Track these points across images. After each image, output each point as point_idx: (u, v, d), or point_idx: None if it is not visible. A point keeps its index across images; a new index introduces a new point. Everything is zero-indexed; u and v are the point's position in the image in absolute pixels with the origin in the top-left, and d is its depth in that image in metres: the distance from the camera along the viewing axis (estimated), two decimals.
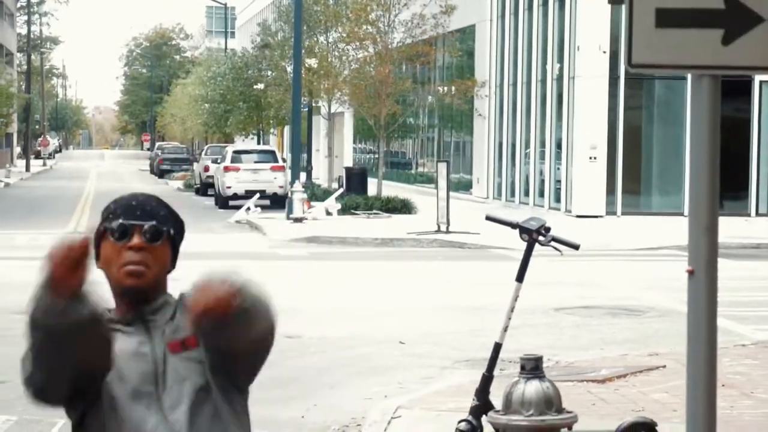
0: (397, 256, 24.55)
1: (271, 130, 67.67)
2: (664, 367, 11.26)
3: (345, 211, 34.98)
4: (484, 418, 7.43)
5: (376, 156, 42.85)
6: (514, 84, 41.42)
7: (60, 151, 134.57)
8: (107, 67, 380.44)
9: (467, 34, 45.54)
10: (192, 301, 3.07)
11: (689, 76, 4.00)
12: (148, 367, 3.19)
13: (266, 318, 3.13)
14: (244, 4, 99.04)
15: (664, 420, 8.31)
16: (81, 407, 3.21)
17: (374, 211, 35.28)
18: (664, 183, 36.05)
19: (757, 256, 24.90)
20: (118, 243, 3.18)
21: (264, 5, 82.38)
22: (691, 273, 4.06)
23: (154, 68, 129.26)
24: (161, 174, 71.67)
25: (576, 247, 7.56)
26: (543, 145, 38.80)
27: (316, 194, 38.42)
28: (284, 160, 44.79)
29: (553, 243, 7.39)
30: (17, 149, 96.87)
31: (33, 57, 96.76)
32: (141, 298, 3.20)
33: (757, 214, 35.51)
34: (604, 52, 34.87)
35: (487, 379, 7.45)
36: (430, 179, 49.78)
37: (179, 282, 3.41)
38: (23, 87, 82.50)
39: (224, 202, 41.08)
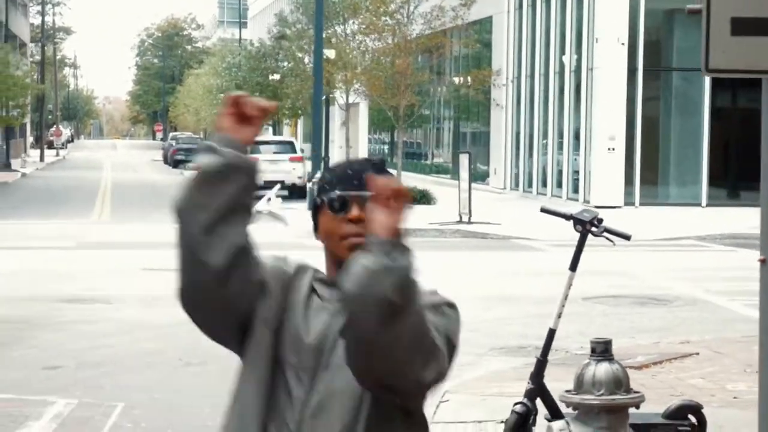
0: (421, 246, 24.78)
1: (285, 121, 68.00)
2: (698, 354, 11.57)
3: None
4: (538, 401, 7.77)
5: (392, 146, 43.11)
6: (532, 75, 41.68)
7: (72, 141, 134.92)
8: (117, 57, 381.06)
9: (484, 25, 45.79)
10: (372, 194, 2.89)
11: (764, 90, 4.30)
12: (316, 338, 3.02)
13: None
14: None
15: (705, 404, 8.62)
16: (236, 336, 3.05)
17: None
18: (682, 174, 36.31)
19: None
20: (337, 215, 3.06)
21: None
22: (763, 262, 4.35)
23: (166, 58, 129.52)
24: (175, 164, 71.91)
25: (628, 237, 7.87)
26: (561, 135, 39.07)
27: None
28: (302, 151, 45.10)
29: (605, 234, 7.70)
30: (30, 139, 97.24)
31: (45, 47, 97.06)
32: None
33: None
34: (623, 43, 35.12)
35: (541, 364, 7.78)
36: (446, 170, 50.08)
37: None
38: (37, 77, 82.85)
39: None
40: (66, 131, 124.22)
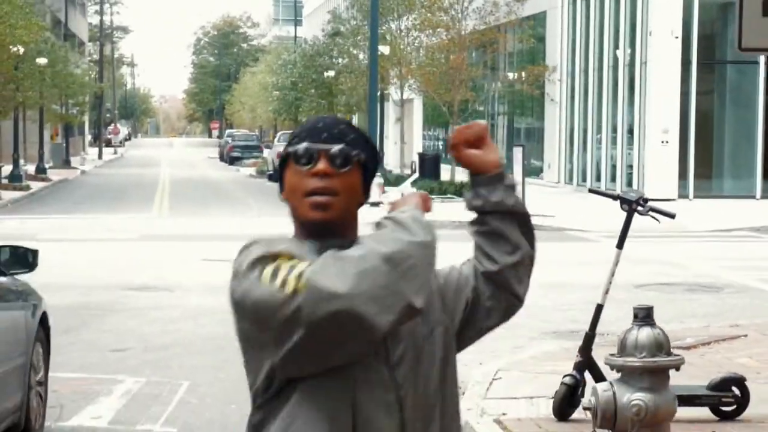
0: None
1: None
2: (746, 336, 11.84)
3: None
4: (586, 373, 8.10)
5: (446, 142, 43.33)
6: (585, 70, 41.85)
7: (129, 139, 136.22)
8: (172, 55, 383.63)
9: (538, 20, 46.00)
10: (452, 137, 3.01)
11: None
12: None
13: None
14: None
15: (750, 380, 8.91)
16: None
17: (448, 196, 35.91)
18: (736, 167, 36.37)
19: None
20: (302, 169, 2.82)
21: None
22: None
23: (222, 56, 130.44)
24: (231, 161, 72.46)
25: (672, 216, 8.17)
26: (614, 130, 39.22)
27: (388, 180, 39.08)
28: None
29: (651, 213, 8.01)
30: (88, 137, 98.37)
31: (104, 46, 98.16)
32: (327, 233, 2.81)
33: None
34: (677, 37, 35.23)
35: (589, 338, 8.12)
36: None
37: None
38: (95, 76, 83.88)
39: None
40: (123, 129, 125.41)
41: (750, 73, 35.31)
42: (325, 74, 57.70)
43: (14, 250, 7.96)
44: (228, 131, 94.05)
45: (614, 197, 8.11)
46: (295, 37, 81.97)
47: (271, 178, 51.86)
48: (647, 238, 22.75)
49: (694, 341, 11.36)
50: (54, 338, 8.98)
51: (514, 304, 3.08)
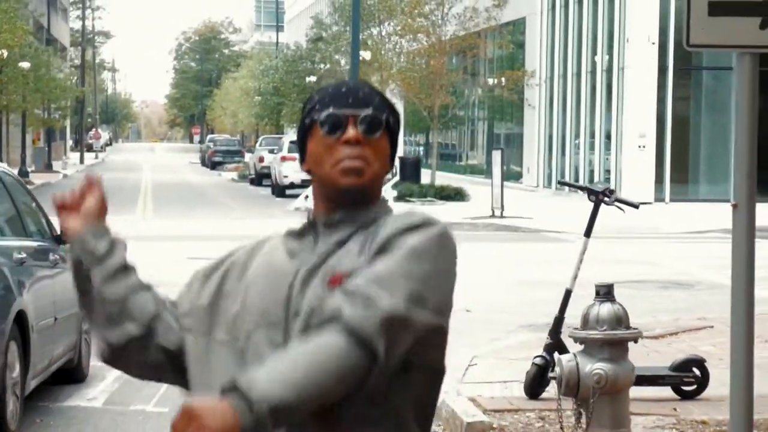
0: (456, 238, 25.67)
1: None
2: (712, 327, 12.35)
3: (400, 198, 36.09)
4: (556, 354, 8.58)
5: (427, 148, 43.86)
6: (564, 75, 42.40)
7: (110, 144, 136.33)
8: (154, 61, 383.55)
9: (517, 26, 46.53)
10: None
11: (734, 62, 5.15)
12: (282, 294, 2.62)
13: None
14: None
15: (712, 366, 9.40)
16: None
17: (428, 199, 36.39)
18: (712, 171, 36.94)
19: None
20: (329, 137, 2.64)
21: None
22: (735, 207, 5.17)
23: (204, 62, 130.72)
24: (213, 166, 72.83)
25: (636, 206, 8.66)
26: (592, 135, 39.78)
27: None
28: None
29: (616, 203, 8.51)
30: (69, 142, 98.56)
31: (85, 51, 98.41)
32: (358, 200, 2.65)
33: None
34: (654, 43, 35.79)
35: (558, 321, 8.61)
36: (480, 170, 50.85)
37: None
38: (77, 81, 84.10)
39: (281, 191, 42.21)
40: (105, 134, 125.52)
41: (725, 78, 35.89)
42: (307, 79, 58.16)
43: None
44: (209, 136, 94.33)
45: (582, 188, 8.61)
46: (277, 42, 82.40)
47: (252, 182, 52.30)
48: (623, 239, 23.30)
49: (662, 331, 11.86)
50: None
51: None
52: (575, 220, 25.79)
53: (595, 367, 5.93)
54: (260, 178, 50.63)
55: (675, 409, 8.53)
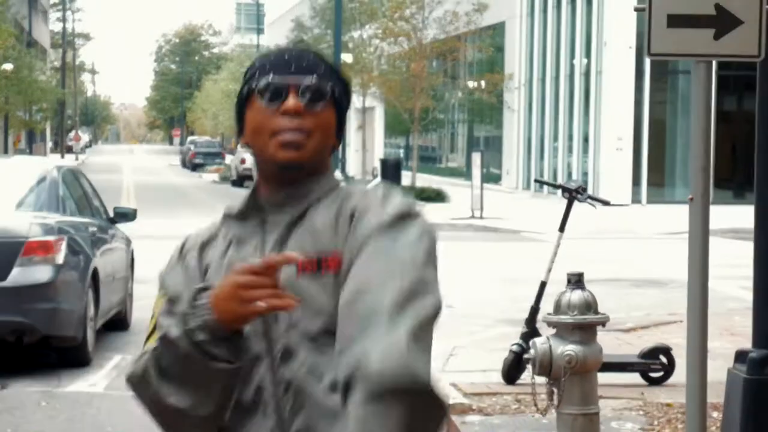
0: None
1: None
2: (682, 321, 12.88)
3: None
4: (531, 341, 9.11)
5: (407, 150, 44.30)
6: (543, 79, 42.95)
7: (90, 145, 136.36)
8: (132, 63, 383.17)
9: (497, 30, 47.05)
10: None
11: (692, 68, 5.71)
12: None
13: None
14: (275, 0, 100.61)
15: (680, 357, 9.93)
16: None
17: None
18: (688, 174, 37.47)
19: None
20: (268, 107, 2.43)
21: (295, 2, 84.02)
22: (691, 200, 5.71)
23: (184, 64, 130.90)
24: (194, 168, 73.07)
25: (607, 203, 9.20)
26: (570, 138, 40.33)
27: None
28: None
29: (589, 200, 9.04)
30: (49, 144, 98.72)
31: (66, 53, 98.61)
32: (298, 177, 2.46)
33: None
34: (631, 47, 36.32)
35: (534, 311, 9.15)
36: (460, 173, 51.36)
37: None
38: (57, 83, 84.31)
39: None
40: (84, 136, 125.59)
41: None
42: None
43: (119, 209, 13.36)
44: (190, 138, 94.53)
45: (556, 186, 9.15)
46: (258, 45, 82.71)
47: (234, 183, 52.60)
48: (599, 240, 23.86)
49: (633, 325, 12.41)
50: None
51: None
52: (553, 222, 26.37)
53: (566, 349, 6.46)
54: (242, 179, 50.79)
55: (642, 393, 9.09)
